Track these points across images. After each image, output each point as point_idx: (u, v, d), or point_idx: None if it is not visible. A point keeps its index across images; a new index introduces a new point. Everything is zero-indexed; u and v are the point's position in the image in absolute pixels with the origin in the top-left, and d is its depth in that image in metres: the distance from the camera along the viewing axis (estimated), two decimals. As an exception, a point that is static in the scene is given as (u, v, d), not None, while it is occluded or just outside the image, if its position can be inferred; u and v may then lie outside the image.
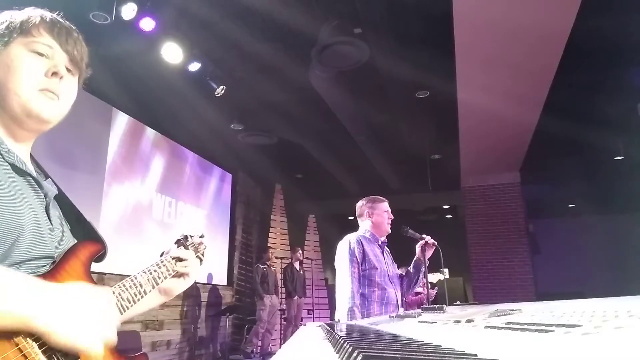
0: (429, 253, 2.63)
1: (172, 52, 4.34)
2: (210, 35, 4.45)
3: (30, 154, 0.92)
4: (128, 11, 3.76)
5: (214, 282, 7.14)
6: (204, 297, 6.81)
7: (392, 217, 2.70)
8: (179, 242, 1.18)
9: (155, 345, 5.54)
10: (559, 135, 6.21)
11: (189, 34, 4.42)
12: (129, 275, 0.95)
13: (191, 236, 1.21)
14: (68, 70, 0.90)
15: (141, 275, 0.99)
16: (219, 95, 4.90)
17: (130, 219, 5.45)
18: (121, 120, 5.48)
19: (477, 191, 8.01)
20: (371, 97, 5.89)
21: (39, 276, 0.75)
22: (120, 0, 3.71)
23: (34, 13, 0.89)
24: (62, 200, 0.95)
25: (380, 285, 2.47)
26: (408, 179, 9.04)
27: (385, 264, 2.58)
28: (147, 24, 4.01)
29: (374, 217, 2.67)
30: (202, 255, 1.21)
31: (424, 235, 2.65)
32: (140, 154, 5.82)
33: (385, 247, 2.72)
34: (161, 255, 1.13)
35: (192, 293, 6.29)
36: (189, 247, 1.17)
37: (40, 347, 0.67)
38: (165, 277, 1.06)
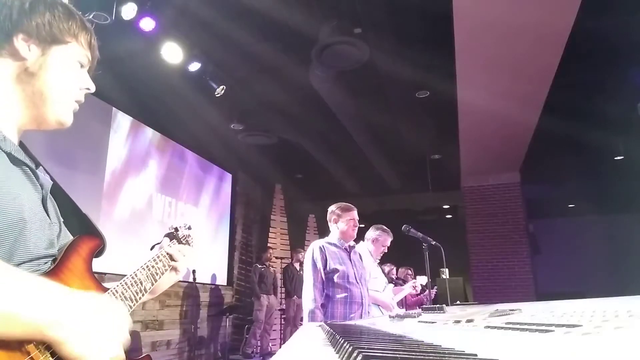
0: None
1: (172, 52, 4.34)
2: (210, 35, 4.45)
3: (20, 140, 0.84)
4: (128, 11, 3.76)
5: (214, 282, 7.14)
6: (204, 297, 6.81)
7: (358, 225, 2.89)
8: (170, 236, 1.16)
9: (155, 345, 5.54)
10: (559, 135, 6.21)
11: (189, 34, 4.42)
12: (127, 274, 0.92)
13: (180, 227, 1.20)
14: None
15: (140, 272, 0.95)
16: (219, 95, 4.90)
17: (130, 218, 5.44)
18: (121, 120, 5.48)
19: (477, 191, 8.01)
20: (371, 97, 5.88)
21: (41, 275, 0.71)
22: (120, 0, 3.71)
23: (77, 17, 0.88)
24: (56, 191, 0.89)
25: (342, 286, 2.69)
26: (408, 179, 9.03)
27: (351, 266, 2.79)
28: (147, 24, 4.01)
29: (339, 224, 2.86)
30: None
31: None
32: (140, 153, 5.82)
33: (354, 250, 2.92)
34: (151, 248, 1.11)
35: (192, 293, 6.28)
36: (182, 239, 1.16)
37: (52, 355, 0.62)
38: (162, 273, 1.03)
